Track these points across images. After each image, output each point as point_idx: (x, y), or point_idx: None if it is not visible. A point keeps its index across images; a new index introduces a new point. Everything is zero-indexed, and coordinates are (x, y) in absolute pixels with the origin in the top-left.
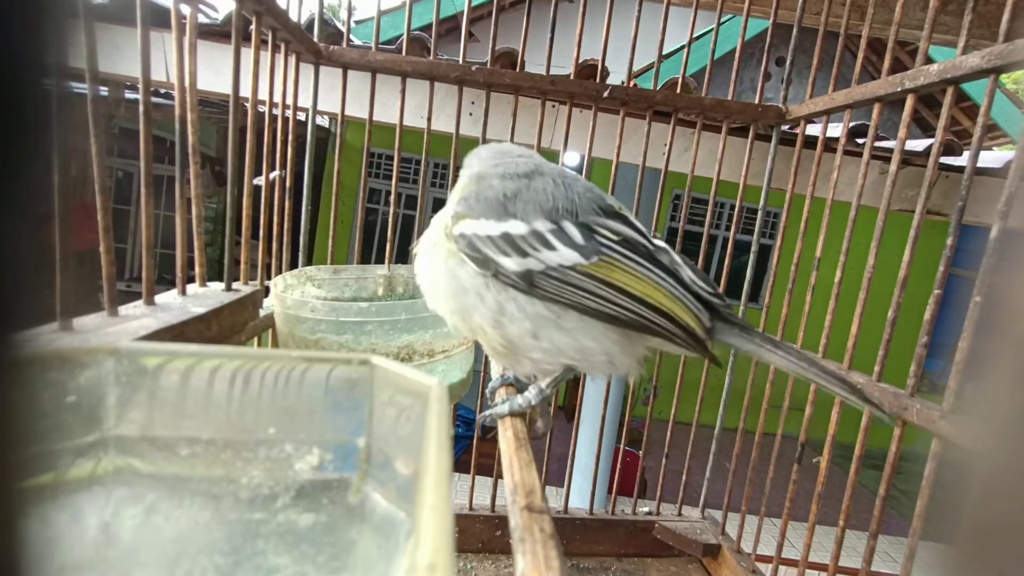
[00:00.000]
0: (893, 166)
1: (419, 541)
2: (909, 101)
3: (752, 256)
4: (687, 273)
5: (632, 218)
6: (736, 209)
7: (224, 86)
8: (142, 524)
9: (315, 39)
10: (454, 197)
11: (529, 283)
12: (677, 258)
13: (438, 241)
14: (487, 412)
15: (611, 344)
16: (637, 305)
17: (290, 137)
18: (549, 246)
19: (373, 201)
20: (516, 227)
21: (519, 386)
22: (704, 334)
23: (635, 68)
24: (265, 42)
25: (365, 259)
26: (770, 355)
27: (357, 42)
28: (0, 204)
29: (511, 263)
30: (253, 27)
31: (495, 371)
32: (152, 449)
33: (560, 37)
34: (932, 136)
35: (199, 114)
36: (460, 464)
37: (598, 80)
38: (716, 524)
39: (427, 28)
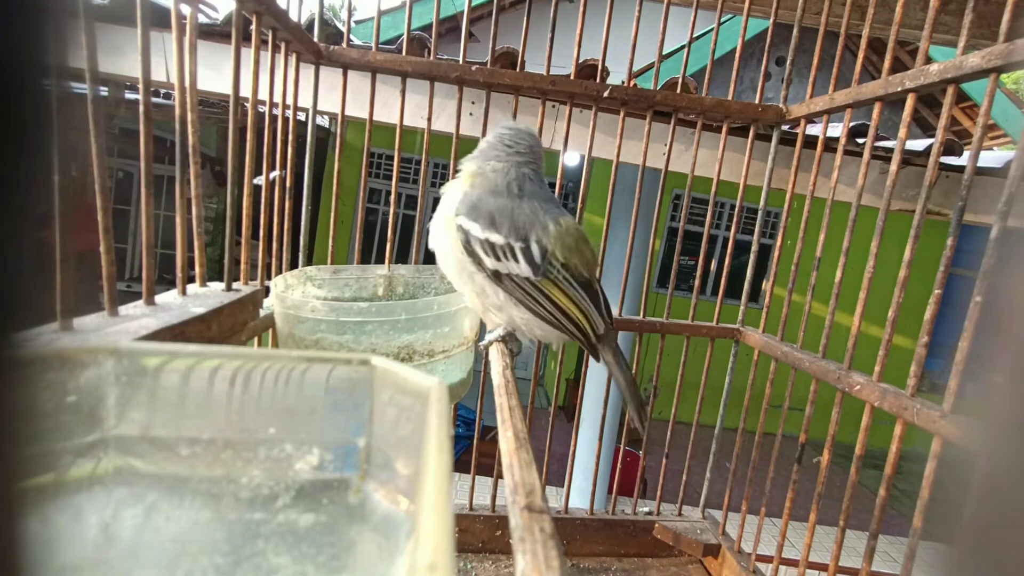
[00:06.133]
0: (893, 166)
1: (419, 541)
2: (909, 101)
3: (752, 256)
4: (601, 301)
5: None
6: (736, 209)
7: (224, 86)
8: (142, 524)
9: (315, 39)
10: (460, 186)
11: (498, 279)
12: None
13: (447, 221)
14: (481, 343)
15: (543, 328)
16: (558, 313)
17: (290, 137)
18: (516, 259)
19: (373, 201)
20: (497, 238)
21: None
22: (595, 339)
23: (635, 68)
24: (265, 42)
25: (365, 259)
26: (614, 369)
27: (357, 42)
28: (0, 204)
29: (489, 262)
30: (253, 27)
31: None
32: (152, 449)
33: (560, 37)
34: (932, 136)
35: (199, 114)
36: (460, 464)
37: (598, 80)
38: (716, 524)
39: (427, 28)
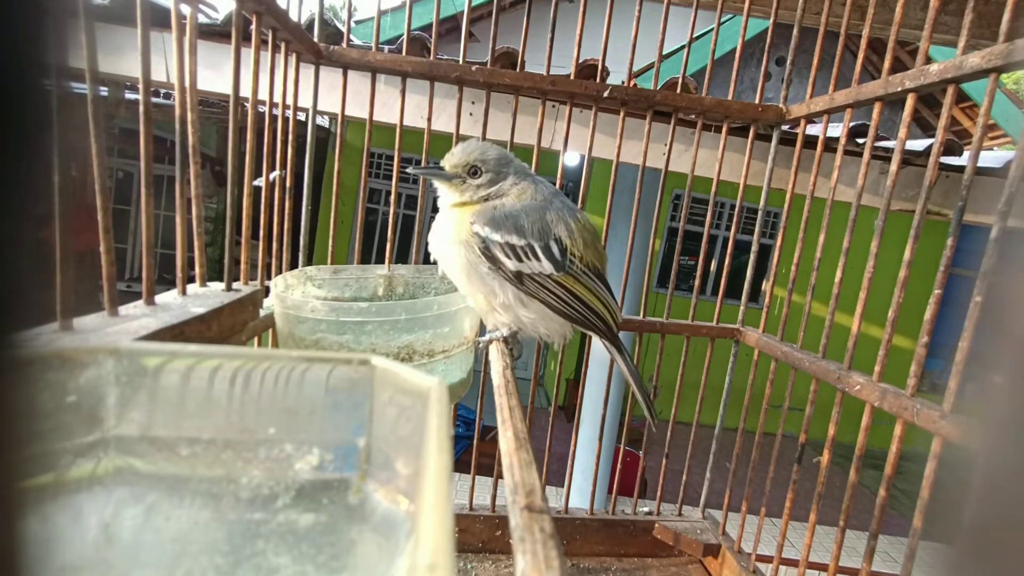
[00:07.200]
0: (893, 166)
1: (419, 541)
2: (909, 101)
3: (752, 256)
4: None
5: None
6: (736, 209)
7: (224, 86)
8: (142, 524)
9: (315, 39)
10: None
11: (519, 280)
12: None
13: (456, 229)
14: (481, 340)
15: (551, 324)
16: (581, 306)
17: (290, 137)
18: (537, 258)
19: (373, 201)
20: (517, 240)
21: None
22: (616, 329)
23: (635, 68)
24: (265, 42)
25: (365, 259)
26: (616, 356)
27: (357, 42)
28: (0, 204)
29: (510, 264)
30: (253, 27)
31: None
32: (152, 449)
33: (560, 37)
34: (932, 136)
35: (199, 114)
36: (460, 464)
37: (598, 80)
38: (716, 524)
39: (427, 28)
